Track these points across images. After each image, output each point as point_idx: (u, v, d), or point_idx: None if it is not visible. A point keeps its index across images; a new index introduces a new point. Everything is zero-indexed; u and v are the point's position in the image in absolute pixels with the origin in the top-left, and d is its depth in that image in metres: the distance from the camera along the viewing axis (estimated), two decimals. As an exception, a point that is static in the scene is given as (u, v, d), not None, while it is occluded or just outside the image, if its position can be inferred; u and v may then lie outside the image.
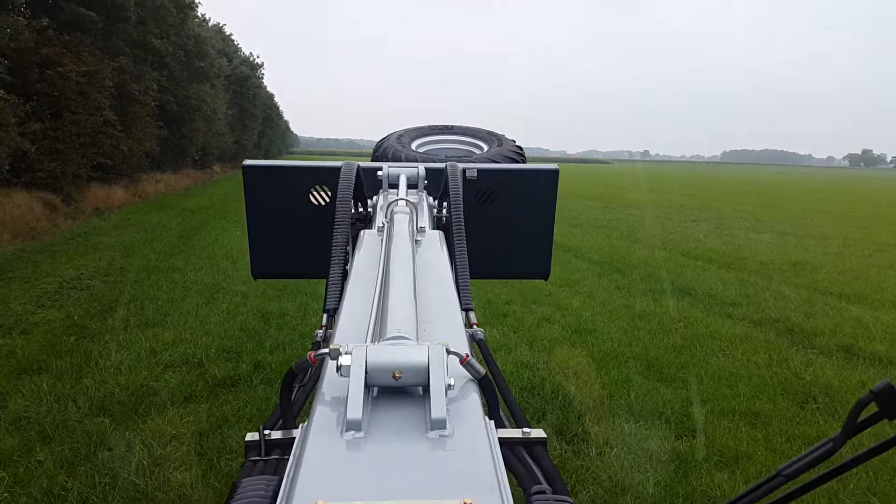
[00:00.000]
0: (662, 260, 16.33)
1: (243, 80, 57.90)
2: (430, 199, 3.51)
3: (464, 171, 3.72)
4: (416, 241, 2.28)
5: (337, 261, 2.39)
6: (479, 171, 3.84)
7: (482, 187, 3.89)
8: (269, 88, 72.55)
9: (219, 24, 52.92)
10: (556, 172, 3.97)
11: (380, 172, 3.43)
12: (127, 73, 26.02)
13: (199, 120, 38.54)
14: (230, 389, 7.12)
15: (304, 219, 3.90)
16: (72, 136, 21.52)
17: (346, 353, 1.21)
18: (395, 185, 3.40)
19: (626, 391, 7.35)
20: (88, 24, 23.19)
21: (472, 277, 2.85)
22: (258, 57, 64.68)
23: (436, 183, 3.62)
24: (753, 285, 13.51)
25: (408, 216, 2.43)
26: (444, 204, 3.38)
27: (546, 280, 4.10)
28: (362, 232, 2.49)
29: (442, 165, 3.69)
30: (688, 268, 15.33)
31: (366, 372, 1.20)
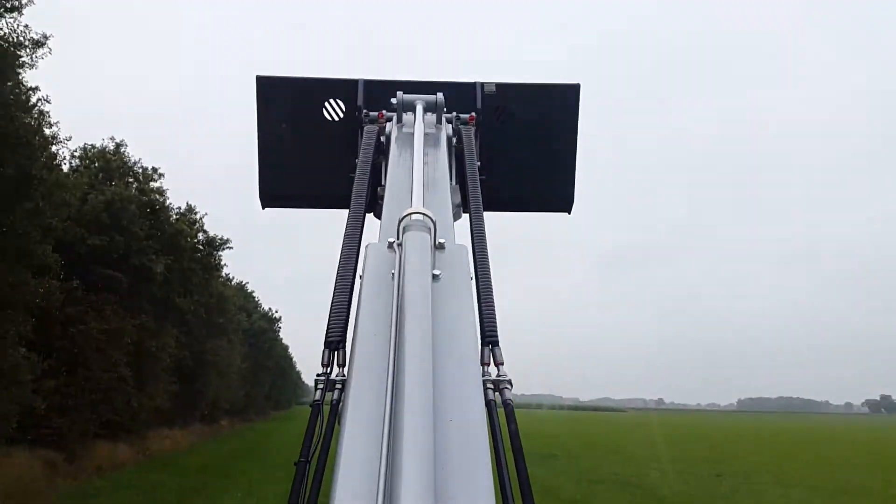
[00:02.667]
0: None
1: (260, 333, 59.29)
2: (450, 127, 3.26)
3: (482, 85, 3.56)
4: (434, 275, 1.99)
5: (342, 288, 2.24)
6: (498, 85, 3.59)
7: (500, 104, 3.65)
8: (284, 340, 73.92)
9: (242, 282, 55.64)
10: (577, 88, 3.72)
11: (393, 100, 3.21)
12: (147, 329, 26.75)
13: (212, 374, 38.78)
14: None
15: (318, 139, 3.68)
16: (84, 393, 21.54)
17: None
18: (410, 110, 3.20)
19: None
20: (115, 285, 24.35)
21: (489, 209, 2.74)
22: (276, 311, 66.85)
23: (457, 104, 3.36)
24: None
25: (424, 234, 2.07)
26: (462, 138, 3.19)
27: (569, 214, 3.80)
28: (367, 247, 2.25)
29: (463, 81, 3.55)
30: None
31: None
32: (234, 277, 49.09)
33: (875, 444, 52.58)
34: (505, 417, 1.88)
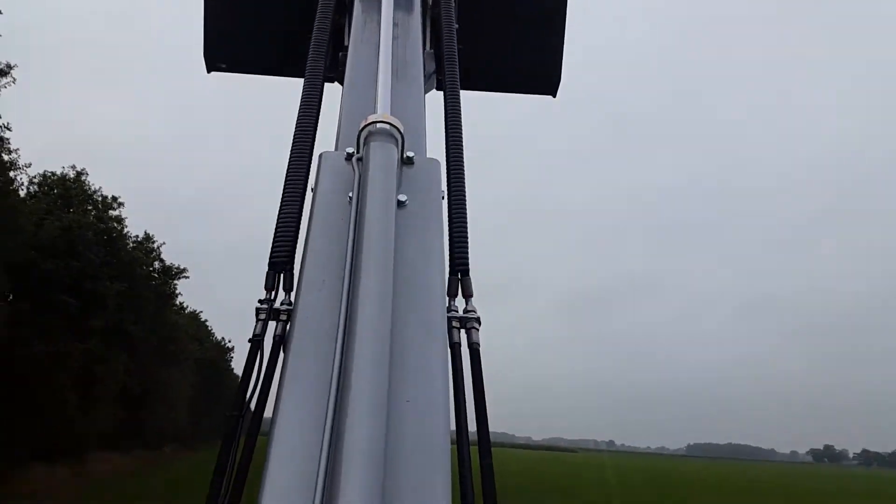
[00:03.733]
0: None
1: (212, 362, 58.49)
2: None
3: None
4: (400, 202, 1.73)
5: (291, 199, 1.96)
6: None
7: None
8: (236, 370, 72.97)
9: (195, 311, 55.06)
10: None
11: None
12: (95, 354, 26.53)
13: (159, 404, 38.26)
14: None
15: None
16: (25, 415, 21.24)
17: None
18: None
19: None
20: (65, 308, 24.21)
21: (467, 88, 2.45)
22: (230, 341, 66.06)
23: None
24: None
25: (390, 149, 1.77)
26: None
27: (554, 97, 3.54)
28: (321, 156, 1.94)
29: None
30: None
31: None
32: (188, 306, 48.66)
33: (816, 495, 54.14)
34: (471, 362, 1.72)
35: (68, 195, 25.71)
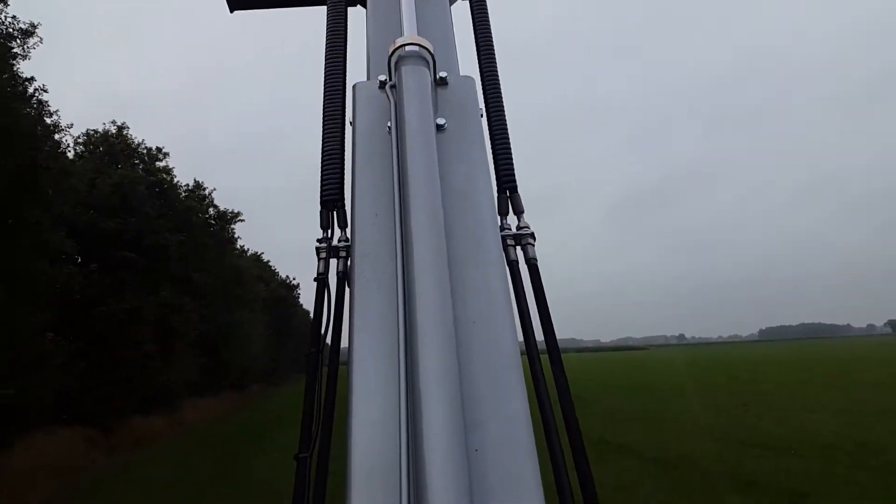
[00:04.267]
0: (719, 452, 15.49)
1: (280, 300, 59.96)
2: None
3: None
4: (438, 125, 1.74)
5: (331, 134, 1.94)
6: None
7: None
8: (304, 306, 74.93)
9: (257, 252, 56.07)
10: None
11: None
12: (168, 305, 27.17)
13: (237, 345, 39.42)
14: None
15: None
16: (114, 372, 22.06)
17: None
18: None
19: None
20: (132, 265, 24.66)
21: None
22: (294, 279, 67.49)
23: None
24: (820, 473, 12.63)
25: (423, 71, 1.75)
26: None
27: None
28: (356, 88, 1.92)
29: None
30: (748, 457, 14.48)
31: None
32: (249, 249, 49.40)
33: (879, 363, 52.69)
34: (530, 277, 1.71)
35: (114, 151, 25.73)
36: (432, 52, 1.78)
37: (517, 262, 1.71)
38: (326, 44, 2.16)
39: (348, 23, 2.25)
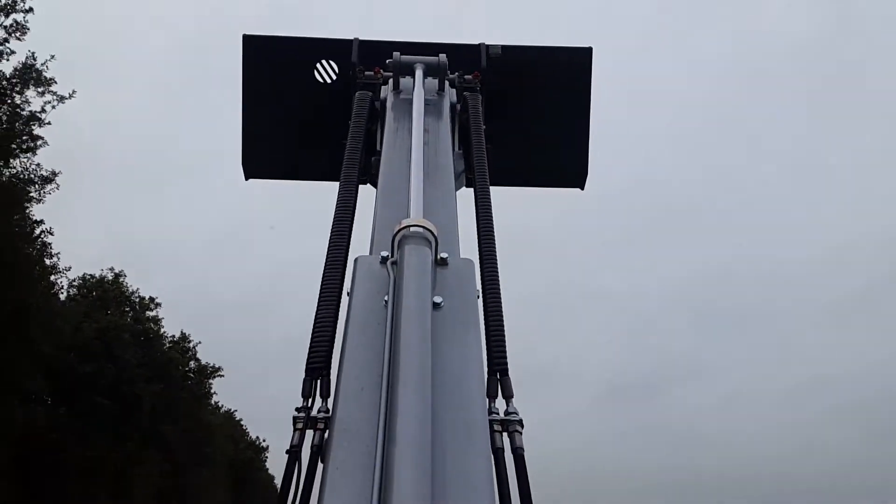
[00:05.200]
0: None
1: (248, 462, 57.55)
2: (454, 92, 2.91)
3: (487, 47, 3.23)
4: (435, 303, 1.71)
5: (326, 304, 1.92)
6: (504, 47, 3.21)
7: (506, 69, 3.25)
8: (270, 471, 71.95)
9: (230, 409, 54.62)
10: (589, 52, 3.42)
11: (390, 61, 2.82)
12: (131, 458, 26.24)
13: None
14: None
15: (308, 104, 3.35)
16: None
17: None
18: (408, 73, 2.82)
19: None
20: (102, 412, 24.16)
21: (496, 184, 2.44)
22: (264, 441, 65.30)
23: (458, 65, 2.98)
24: None
25: (424, 253, 1.79)
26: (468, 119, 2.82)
27: (582, 189, 3.51)
28: (356, 260, 1.93)
29: (467, 43, 3.17)
30: None
31: None
32: (223, 405, 48.43)
33: None
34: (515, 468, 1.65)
35: (106, 297, 26.20)
36: (436, 234, 1.82)
37: (503, 450, 1.64)
38: (335, 217, 2.25)
39: (357, 201, 2.36)
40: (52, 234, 18.60)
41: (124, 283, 27.45)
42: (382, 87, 2.92)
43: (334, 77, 3.25)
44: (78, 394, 23.63)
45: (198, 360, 33.20)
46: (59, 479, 21.36)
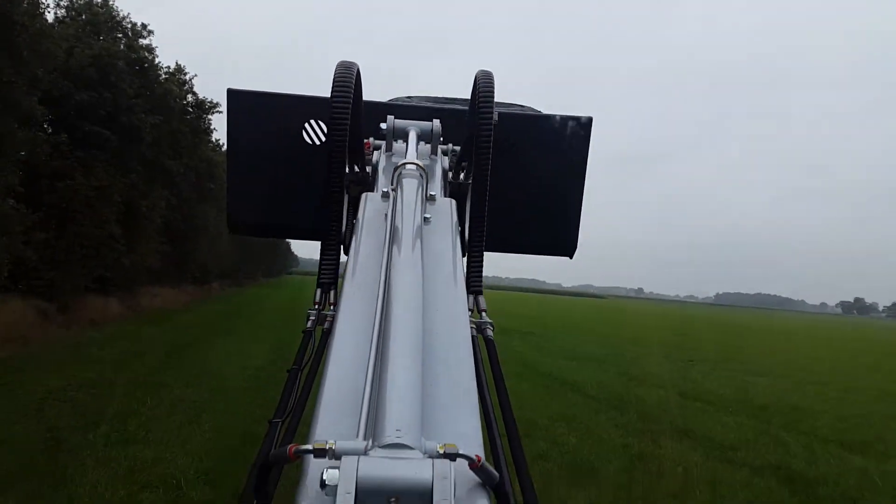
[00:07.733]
0: (660, 399, 16.04)
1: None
2: (446, 160, 2.98)
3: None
4: (426, 218, 2.09)
5: (332, 231, 2.34)
6: (500, 115, 3.13)
7: (502, 136, 3.14)
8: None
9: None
10: (589, 123, 3.44)
11: (383, 125, 2.86)
12: (137, 189, 26.68)
13: (202, 239, 39.11)
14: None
15: (296, 163, 3.34)
16: (74, 248, 21.76)
17: (333, 468, 1.02)
18: (401, 137, 2.89)
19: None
20: (104, 142, 24.02)
21: (486, 250, 2.62)
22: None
23: (451, 135, 3.04)
24: (752, 429, 13.19)
25: (417, 181, 2.18)
26: (462, 164, 3.01)
27: (571, 258, 3.61)
28: (365, 196, 2.32)
29: (460, 108, 3.22)
30: (686, 409, 15.04)
31: (356, 493, 0.99)
32: (222, 144, 48.42)
33: (844, 342, 54.51)
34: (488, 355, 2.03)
35: (97, 21, 24.65)
36: (426, 169, 2.25)
37: (477, 339, 2.01)
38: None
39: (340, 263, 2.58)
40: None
41: (115, 8, 25.66)
42: (374, 151, 2.95)
43: (323, 140, 3.22)
44: (77, 123, 23.14)
45: (195, 93, 32.34)
46: (68, 206, 21.75)
